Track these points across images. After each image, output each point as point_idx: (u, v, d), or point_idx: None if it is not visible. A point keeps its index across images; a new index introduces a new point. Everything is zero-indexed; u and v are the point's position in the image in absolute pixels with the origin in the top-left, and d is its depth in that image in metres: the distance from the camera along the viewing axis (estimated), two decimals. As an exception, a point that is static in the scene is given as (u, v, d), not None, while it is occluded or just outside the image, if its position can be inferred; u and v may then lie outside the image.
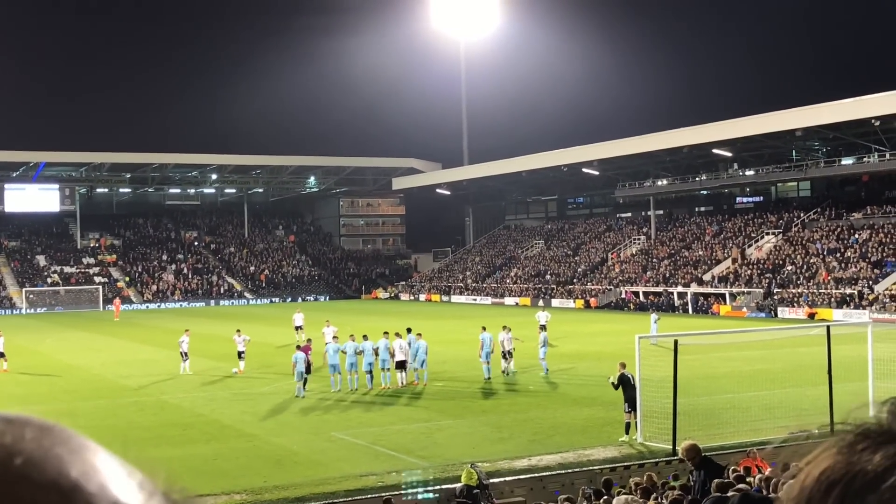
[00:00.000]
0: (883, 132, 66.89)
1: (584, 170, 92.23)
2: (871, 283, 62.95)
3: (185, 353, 38.39)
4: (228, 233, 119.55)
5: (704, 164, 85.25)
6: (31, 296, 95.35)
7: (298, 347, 34.67)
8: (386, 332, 34.77)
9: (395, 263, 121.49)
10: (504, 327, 36.44)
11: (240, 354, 38.42)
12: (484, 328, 35.81)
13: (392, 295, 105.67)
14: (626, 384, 23.84)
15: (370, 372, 33.13)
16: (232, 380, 36.49)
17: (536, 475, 20.37)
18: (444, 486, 19.12)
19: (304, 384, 32.30)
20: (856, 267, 66.03)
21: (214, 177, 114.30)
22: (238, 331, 39.74)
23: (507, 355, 35.74)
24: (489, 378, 34.34)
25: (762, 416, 25.47)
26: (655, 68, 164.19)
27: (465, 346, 42.36)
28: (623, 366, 24.31)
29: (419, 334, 34.41)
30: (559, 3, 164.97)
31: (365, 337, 34.29)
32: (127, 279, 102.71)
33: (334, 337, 35.40)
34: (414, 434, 25.22)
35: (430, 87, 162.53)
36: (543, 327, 43.03)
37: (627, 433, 23.54)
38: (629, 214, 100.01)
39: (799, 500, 1.02)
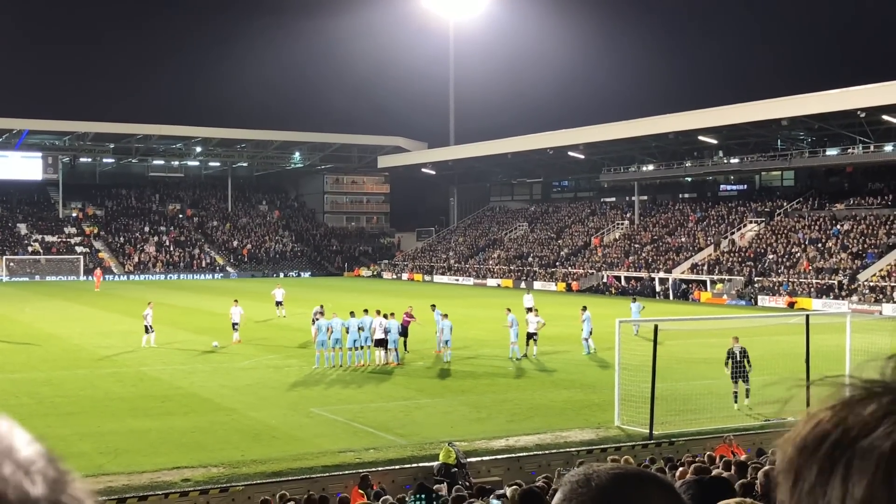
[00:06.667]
0: (868, 124, 67.16)
1: (570, 153, 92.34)
2: (851, 273, 63.34)
3: (150, 327, 38.38)
4: (212, 206, 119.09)
5: (690, 150, 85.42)
6: (12, 264, 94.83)
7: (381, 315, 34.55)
8: (367, 310, 34.89)
9: (378, 242, 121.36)
10: (530, 309, 37.61)
11: (234, 326, 39.64)
12: (509, 310, 36.42)
13: (374, 273, 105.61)
14: (732, 357, 25.57)
15: (358, 349, 33.25)
16: (211, 353, 36.46)
17: (514, 455, 20.48)
18: (422, 464, 19.19)
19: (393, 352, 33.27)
20: (837, 257, 66.39)
21: (199, 149, 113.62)
22: (236, 301, 41.43)
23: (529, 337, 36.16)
24: (515, 358, 34.64)
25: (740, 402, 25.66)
26: (644, 54, 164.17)
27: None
28: (735, 339, 25.92)
29: (392, 314, 34.40)
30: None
31: (352, 314, 34.26)
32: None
33: (320, 313, 35.30)
34: (393, 412, 25.29)
35: (418, 66, 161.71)
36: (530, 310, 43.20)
37: (736, 402, 25.21)
38: (613, 199, 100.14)
39: (795, 448, 1.05)
